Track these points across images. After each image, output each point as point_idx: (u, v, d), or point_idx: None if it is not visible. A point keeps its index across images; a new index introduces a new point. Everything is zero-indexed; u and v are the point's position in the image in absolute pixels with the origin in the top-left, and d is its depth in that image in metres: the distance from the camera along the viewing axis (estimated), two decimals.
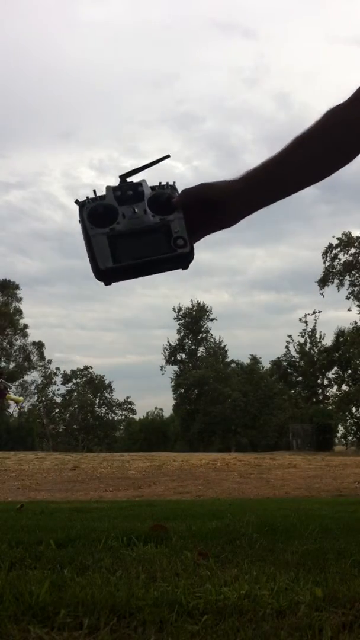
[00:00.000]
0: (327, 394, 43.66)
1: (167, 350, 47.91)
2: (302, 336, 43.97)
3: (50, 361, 52.48)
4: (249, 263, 69.86)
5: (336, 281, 38.10)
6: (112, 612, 1.22)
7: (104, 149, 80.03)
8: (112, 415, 55.87)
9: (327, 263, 38.47)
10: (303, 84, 74.99)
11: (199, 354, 48.76)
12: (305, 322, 43.82)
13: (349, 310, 38.82)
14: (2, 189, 69.22)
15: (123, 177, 1.35)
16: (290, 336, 44.48)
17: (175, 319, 48.05)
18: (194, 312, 48.07)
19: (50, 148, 76.19)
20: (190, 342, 48.56)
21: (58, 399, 54.11)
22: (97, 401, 55.27)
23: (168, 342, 48.05)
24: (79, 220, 1.29)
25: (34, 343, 51.08)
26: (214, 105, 74.23)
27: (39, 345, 51.28)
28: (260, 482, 11.55)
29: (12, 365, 49.11)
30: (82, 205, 1.29)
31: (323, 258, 38.68)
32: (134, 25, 75.70)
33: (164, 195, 1.31)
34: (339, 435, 41.37)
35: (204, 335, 48.73)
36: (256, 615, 1.19)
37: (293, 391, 45.24)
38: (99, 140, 79.53)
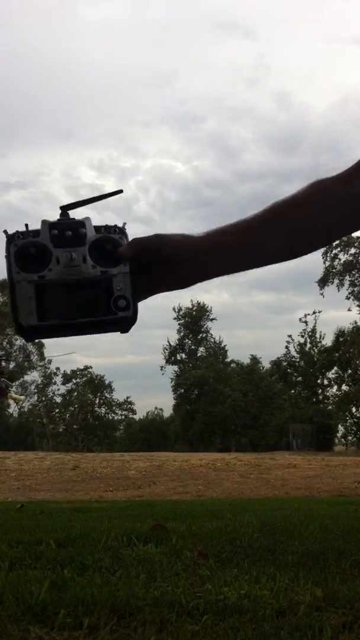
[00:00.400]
0: (327, 394, 43.70)
1: (167, 350, 47.93)
2: (302, 336, 44.02)
3: (50, 361, 52.52)
4: None
5: (336, 281, 38.12)
6: (112, 612, 1.22)
7: (104, 149, 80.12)
8: (112, 415, 55.91)
9: (327, 263, 38.49)
10: (303, 84, 75.05)
11: (199, 354, 48.76)
12: (305, 322, 43.86)
13: (349, 310, 38.86)
14: (2, 189, 69.28)
15: (64, 209, 1.12)
16: (290, 336, 44.54)
17: (175, 319, 48.08)
18: (194, 312, 48.06)
19: (50, 148, 76.24)
20: (190, 342, 48.56)
21: (58, 399, 54.14)
22: (97, 401, 55.28)
23: (168, 342, 48.08)
24: (5, 256, 1.06)
25: (34, 343, 51.08)
26: (214, 105, 74.28)
27: (39, 345, 51.27)
28: (260, 482, 11.55)
29: (12, 365, 49.10)
30: (10, 239, 1.06)
31: (323, 258, 38.69)
32: (134, 24, 75.77)
33: (109, 241, 1.08)
34: (339, 435, 41.41)
35: (204, 335, 48.74)
36: (256, 615, 1.19)
37: (293, 391, 45.25)
38: (99, 140, 79.59)
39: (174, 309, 48.25)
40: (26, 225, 1.08)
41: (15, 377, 45.18)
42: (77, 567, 1.71)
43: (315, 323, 43.62)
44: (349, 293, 38.43)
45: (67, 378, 54.93)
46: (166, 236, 1.10)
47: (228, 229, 1.10)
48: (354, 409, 40.01)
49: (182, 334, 48.23)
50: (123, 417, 55.96)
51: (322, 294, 38.96)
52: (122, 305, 1.06)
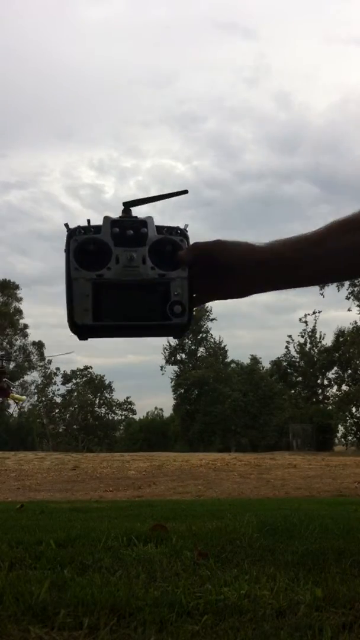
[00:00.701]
0: (327, 394, 43.70)
1: (167, 350, 47.91)
2: (302, 336, 44.01)
3: (50, 361, 52.53)
4: None
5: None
6: (112, 612, 1.22)
7: (104, 149, 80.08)
8: (112, 415, 55.91)
9: None
10: (303, 84, 75.05)
11: (199, 354, 48.76)
12: (305, 322, 43.84)
13: (349, 310, 38.84)
14: (2, 189, 69.28)
15: (127, 205, 1.09)
16: (290, 336, 44.52)
17: None
18: (194, 312, 48.00)
19: (50, 148, 76.20)
20: (190, 342, 48.55)
21: (58, 399, 54.15)
22: (97, 401, 55.28)
23: (168, 342, 47.97)
24: (65, 250, 1.03)
25: (34, 343, 51.11)
26: (214, 105, 74.27)
27: (39, 345, 51.30)
28: (260, 482, 11.55)
29: (12, 365, 49.10)
30: (71, 234, 1.03)
31: None
32: (134, 24, 75.76)
33: (170, 243, 1.05)
34: (339, 435, 41.40)
35: (204, 335, 48.73)
36: (256, 615, 1.19)
37: (293, 391, 45.25)
38: (99, 140, 79.56)
39: None
40: (88, 221, 1.05)
41: (16, 377, 45.17)
42: (77, 567, 1.71)
43: (315, 323, 43.65)
44: (349, 293, 38.43)
45: (67, 378, 54.95)
46: (228, 243, 1.07)
47: (291, 243, 1.05)
48: (354, 409, 40.00)
49: None
50: (123, 417, 55.98)
51: (322, 294, 38.92)
52: (177, 311, 1.04)
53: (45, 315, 69.04)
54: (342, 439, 41.92)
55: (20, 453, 22.11)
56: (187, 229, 1.08)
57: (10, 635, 1.11)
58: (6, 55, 72.27)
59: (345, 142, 67.74)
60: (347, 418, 40.30)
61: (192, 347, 48.79)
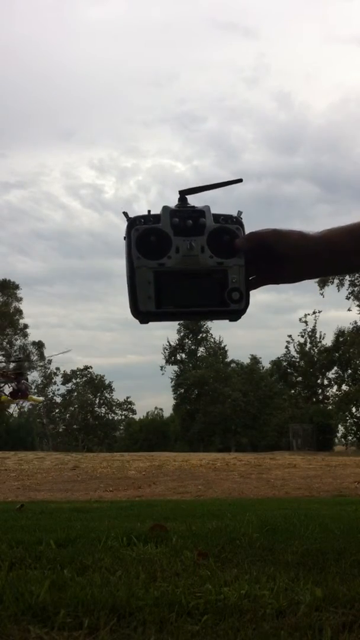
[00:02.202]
0: (327, 394, 43.70)
1: (167, 350, 47.91)
2: (302, 336, 44.02)
3: (50, 361, 52.51)
4: None
5: (336, 281, 38.07)
6: (112, 612, 1.22)
7: (104, 148, 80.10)
8: (112, 415, 55.91)
9: None
10: (303, 84, 75.03)
11: (199, 354, 48.75)
12: (305, 322, 43.84)
13: (349, 310, 38.85)
14: (2, 189, 69.27)
15: (183, 194, 1.12)
16: (290, 336, 44.52)
17: None
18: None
19: (50, 148, 76.26)
20: (190, 342, 48.54)
21: (58, 399, 54.14)
22: (97, 401, 55.28)
23: (168, 342, 48.05)
24: (124, 237, 1.08)
25: (34, 343, 51.09)
26: (214, 105, 74.27)
27: (39, 345, 51.28)
28: (260, 482, 11.54)
29: (12, 365, 49.06)
30: (131, 223, 1.07)
31: None
32: (134, 24, 75.76)
33: (227, 232, 1.09)
34: (339, 435, 41.41)
35: (204, 335, 48.73)
36: (256, 615, 1.19)
37: (293, 391, 45.24)
38: (99, 140, 79.57)
39: None
40: (148, 211, 1.08)
41: (3, 380, 45.15)
42: (77, 567, 1.70)
43: (315, 323, 43.65)
44: (349, 293, 38.43)
45: (67, 378, 54.96)
46: (283, 232, 1.10)
47: (345, 231, 1.08)
48: (354, 409, 40.00)
49: (182, 334, 48.22)
50: (123, 417, 55.98)
51: (322, 294, 38.94)
52: (235, 297, 1.08)
53: (45, 315, 69.10)
54: (342, 439, 41.93)
55: (20, 453, 22.11)
56: (241, 216, 1.12)
57: (10, 635, 1.11)
58: (6, 55, 72.29)
59: (346, 141, 67.74)
60: (347, 418, 40.30)
61: (192, 347, 48.78)
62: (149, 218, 1.08)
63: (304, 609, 1.23)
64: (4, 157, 71.01)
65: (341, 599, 1.30)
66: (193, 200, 1.13)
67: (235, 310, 1.09)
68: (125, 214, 1.08)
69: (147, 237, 1.05)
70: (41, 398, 41.80)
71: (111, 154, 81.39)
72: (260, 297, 70.28)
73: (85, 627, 1.15)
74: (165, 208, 1.08)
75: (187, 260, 1.06)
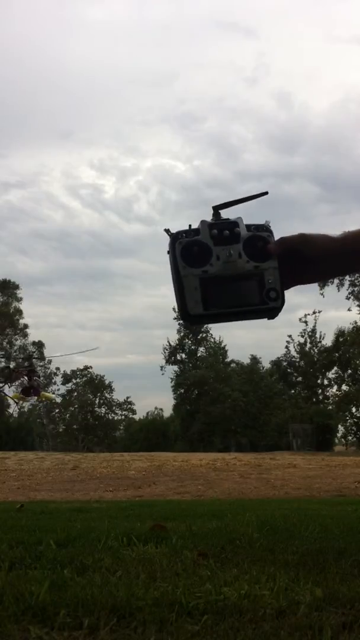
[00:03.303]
0: (327, 394, 43.69)
1: (167, 350, 47.90)
2: (302, 336, 44.00)
3: (50, 361, 52.51)
4: None
5: (336, 281, 38.08)
6: (112, 612, 1.22)
7: (104, 148, 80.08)
8: (112, 415, 55.88)
9: None
10: (304, 84, 75.04)
11: (199, 354, 48.75)
12: (305, 322, 43.81)
13: (349, 310, 38.85)
14: (2, 189, 69.28)
15: (217, 209, 1.26)
16: (290, 336, 44.50)
17: (175, 319, 48.03)
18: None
19: (50, 148, 76.25)
20: (190, 342, 48.53)
21: (58, 399, 54.09)
22: (97, 401, 55.26)
23: (168, 342, 48.04)
24: (168, 252, 1.24)
25: (34, 343, 51.09)
26: (215, 105, 74.26)
27: (39, 345, 51.28)
28: (260, 482, 11.54)
29: (12, 365, 49.07)
30: (175, 237, 1.22)
31: None
32: (134, 24, 75.77)
33: (260, 239, 1.23)
34: (339, 435, 41.41)
35: (204, 335, 48.70)
36: (256, 615, 1.19)
37: (293, 391, 45.24)
38: (99, 140, 79.57)
39: (173, 309, 48.17)
40: (189, 225, 1.23)
41: (14, 377, 45.13)
42: (77, 567, 1.70)
43: (315, 323, 43.63)
44: (349, 293, 38.43)
45: (67, 378, 54.95)
46: (309, 236, 1.22)
47: None
48: (354, 409, 40.01)
49: (182, 334, 48.20)
50: (123, 417, 55.95)
51: (322, 294, 38.94)
52: (273, 296, 1.23)
53: (45, 315, 69.09)
54: (342, 439, 41.94)
55: (21, 453, 22.11)
56: (270, 225, 1.26)
57: (10, 635, 1.11)
58: (6, 55, 72.28)
59: (346, 141, 67.73)
60: (347, 418, 40.32)
61: (192, 347, 48.77)
62: (189, 232, 1.22)
63: (304, 609, 1.23)
64: (4, 157, 71.02)
65: (341, 599, 1.30)
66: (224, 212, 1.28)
67: (273, 307, 1.24)
68: (167, 230, 1.23)
69: (190, 248, 1.20)
70: (54, 395, 41.84)
71: (111, 154, 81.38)
72: None
73: (85, 627, 1.15)
74: (203, 222, 1.22)
75: (227, 266, 1.19)
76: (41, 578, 1.49)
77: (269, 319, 1.27)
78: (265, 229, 1.25)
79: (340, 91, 79.66)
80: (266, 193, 1.30)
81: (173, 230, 1.23)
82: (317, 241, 1.20)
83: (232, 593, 1.34)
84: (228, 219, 1.24)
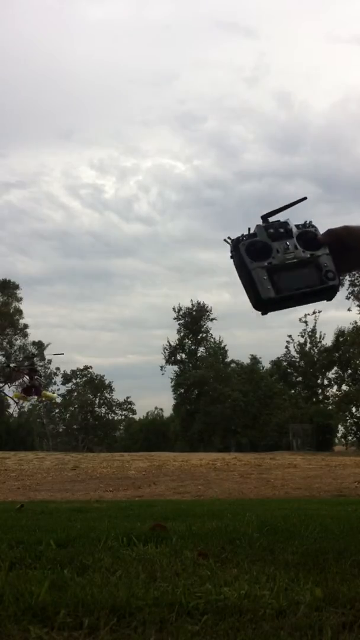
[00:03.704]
0: (327, 394, 43.66)
1: (167, 350, 47.88)
2: (302, 336, 43.94)
3: (50, 361, 52.50)
4: None
5: None
6: (112, 612, 1.22)
7: (104, 148, 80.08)
8: (112, 415, 55.87)
9: None
10: (304, 83, 75.01)
11: (199, 354, 48.73)
12: (305, 322, 43.74)
13: (349, 310, 38.83)
14: (2, 189, 69.23)
15: (265, 217, 1.47)
16: (290, 336, 44.45)
17: (175, 319, 48.06)
18: (194, 312, 48.03)
19: (50, 148, 76.23)
20: (190, 342, 48.52)
21: (58, 399, 54.08)
22: (97, 401, 55.25)
23: (168, 342, 48.02)
24: (231, 257, 1.45)
25: (34, 343, 51.09)
26: (215, 105, 74.21)
27: (39, 345, 51.28)
28: (261, 482, 11.54)
29: (12, 365, 49.03)
30: (237, 241, 1.43)
31: None
32: (134, 24, 75.74)
33: (309, 233, 1.44)
34: (339, 435, 41.39)
35: (204, 335, 48.70)
36: (256, 615, 1.19)
37: (293, 391, 45.21)
38: (99, 140, 79.55)
39: (174, 309, 48.27)
40: (248, 230, 1.45)
41: (16, 377, 45.15)
42: (77, 567, 1.70)
43: (315, 323, 43.59)
44: (349, 293, 38.40)
45: (67, 378, 54.94)
46: (351, 228, 1.40)
47: None
48: (354, 409, 39.99)
49: (182, 334, 48.20)
50: (123, 417, 55.94)
51: None
52: (330, 276, 1.41)
53: (45, 315, 69.05)
54: (342, 439, 41.92)
55: (21, 453, 22.10)
56: (312, 222, 1.46)
57: (10, 635, 1.11)
58: (6, 55, 72.28)
59: (346, 141, 67.71)
60: (347, 418, 40.29)
61: (192, 347, 48.77)
62: (247, 235, 1.43)
63: (304, 609, 1.23)
64: (4, 157, 70.96)
65: (341, 599, 1.30)
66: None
67: (333, 285, 1.41)
68: (227, 239, 1.45)
69: (252, 246, 1.41)
70: (55, 395, 41.78)
71: (111, 154, 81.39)
72: None
73: (85, 627, 1.15)
74: (258, 226, 1.45)
75: (287, 256, 1.39)
76: (41, 578, 1.49)
77: (327, 299, 1.45)
78: (309, 225, 1.44)
79: (340, 91, 79.63)
80: (305, 198, 1.51)
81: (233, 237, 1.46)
82: (358, 232, 1.37)
83: (232, 593, 1.34)
84: (279, 220, 1.46)
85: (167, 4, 78.56)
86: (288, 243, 1.41)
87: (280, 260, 1.39)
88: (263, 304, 1.39)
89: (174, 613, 1.20)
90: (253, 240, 1.42)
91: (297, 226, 1.45)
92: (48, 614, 1.21)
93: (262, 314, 1.43)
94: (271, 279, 1.38)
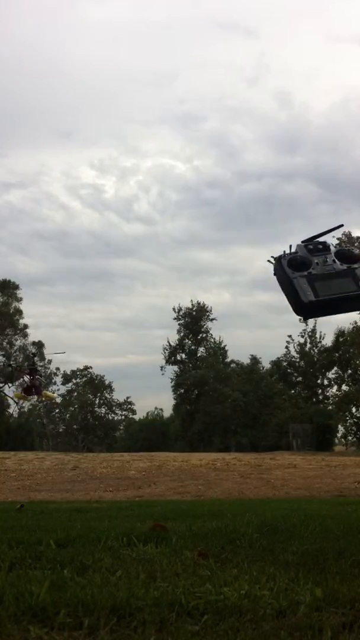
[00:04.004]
0: (327, 394, 43.64)
1: (167, 350, 47.85)
2: (302, 336, 43.93)
3: (50, 361, 52.47)
4: (250, 263, 69.84)
5: None
6: (112, 612, 1.22)
7: (104, 148, 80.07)
8: (112, 415, 55.85)
9: None
10: (304, 83, 74.96)
11: (199, 354, 48.70)
12: (305, 322, 43.81)
13: None
14: (2, 189, 69.24)
15: (305, 242, 1.65)
16: (290, 336, 44.43)
17: (175, 319, 48.03)
18: (194, 312, 48.02)
19: (50, 148, 76.19)
20: (190, 342, 48.50)
21: (58, 399, 54.04)
22: (97, 401, 55.23)
23: (168, 342, 47.99)
24: (274, 273, 1.64)
25: (34, 343, 51.06)
26: (215, 105, 74.19)
27: (39, 345, 51.23)
28: (260, 482, 11.54)
29: (12, 364, 48.99)
30: (280, 257, 1.63)
31: None
32: (135, 24, 75.71)
33: (345, 250, 1.64)
34: (339, 435, 41.38)
35: (204, 335, 48.66)
36: (256, 615, 1.19)
37: (293, 391, 45.19)
38: (99, 140, 79.54)
39: (174, 309, 48.25)
40: (290, 247, 1.65)
41: (16, 377, 45.17)
42: (77, 567, 1.70)
43: (315, 323, 43.50)
44: None
45: (67, 378, 54.91)
46: None
47: None
48: (354, 409, 39.98)
49: (182, 334, 48.17)
50: (123, 417, 55.92)
51: None
52: None
53: (45, 315, 69.04)
54: (342, 439, 41.91)
55: (21, 453, 22.10)
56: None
57: (10, 635, 1.11)
58: (6, 55, 72.28)
59: (346, 141, 67.69)
60: (347, 418, 40.27)
61: (192, 347, 48.76)
62: (289, 253, 1.62)
63: (304, 609, 1.23)
64: (4, 157, 70.94)
65: (341, 599, 1.30)
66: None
67: None
68: (271, 258, 1.64)
69: (294, 260, 1.60)
70: (55, 394, 41.72)
71: (111, 154, 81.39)
72: (261, 297, 70.25)
73: (85, 627, 1.15)
74: (299, 245, 1.64)
75: (326, 267, 1.58)
76: (41, 578, 1.49)
77: None
78: (346, 245, 1.71)
79: (340, 91, 79.58)
80: (342, 225, 1.71)
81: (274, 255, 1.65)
82: None
83: (232, 593, 1.34)
84: (318, 240, 1.67)
85: (167, 4, 78.55)
86: (326, 257, 1.60)
87: (320, 271, 1.58)
88: (304, 309, 1.57)
89: (174, 613, 1.20)
90: (294, 255, 1.61)
91: (334, 245, 1.64)
92: (48, 614, 1.21)
93: (304, 319, 1.62)
94: (311, 286, 1.55)
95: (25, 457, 18.66)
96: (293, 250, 1.66)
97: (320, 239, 1.66)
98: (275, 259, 1.63)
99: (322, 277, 1.57)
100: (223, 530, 2.56)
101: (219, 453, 25.42)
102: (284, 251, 1.63)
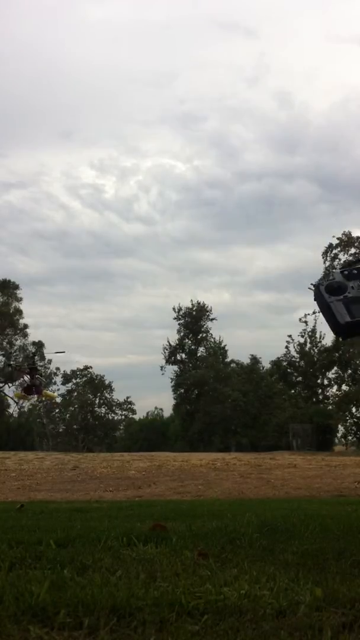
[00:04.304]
0: (327, 394, 43.65)
1: (167, 350, 47.85)
2: (302, 336, 43.93)
3: (50, 361, 52.47)
4: (250, 263, 69.84)
5: None
6: (112, 612, 1.22)
7: (104, 148, 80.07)
8: (112, 415, 55.86)
9: (327, 263, 38.45)
10: (304, 83, 74.95)
11: (199, 354, 48.71)
12: (305, 322, 43.71)
13: None
14: (2, 189, 69.23)
15: (343, 267, 1.79)
16: (290, 336, 44.43)
17: (175, 319, 48.03)
18: (194, 312, 48.03)
19: (50, 148, 76.15)
20: (190, 342, 48.50)
21: (58, 399, 54.04)
22: (97, 401, 55.24)
23: (168, 342, 47.99)
24: (315, 299, 1.79)
25: (34, 343, 51.07)
26: (215, 105, 74.16)
27: (39, 345, 51.23)
28: (260, 482, 11.54)
29: (13, 364, 48.99)
30: (318, 284, 1.76)
31: (323, 258, 38.69)
32: (134, 24, 75.69)
33: None
34: (339, 435, 41.39)
35: (204, 335, 48.67)
36: (256, 615, 1.19)
37: (293, 391, 45.19)
38: (99, 140, 79.54)
39: (174, 309, 48.26)
40: (329, 272, 1.76)
41: (16, 376, 45.17)
42: (77, 567, 1.71)
43: (315, 323, 43.53)
44: None
45: (67, 378, 54.92)
46: None
47: None
48: (354, 409, 39.98)
49: (182, 334, 48.18)
50: (123, 417, 55.93)
51: None
52: None
53: (45, 315, 69.02)
54: (342, 439, 41.91)
55: (21, 453, 22.11)
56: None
57: (10, 635, 1.11)
58: (6, 54, 72.25)
59: (346, 141, 67.68)
60: (347, 418, 40.28)
61: (192, 347, 48.77)
62: (327, 278, 1.74)
63: (304, 609, 1.23)
64: (4, 157, 70.91)
65: (341, 599, 1.30)
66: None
67: None
68: (312, 284, 1.80)
69: (331, 285, 1.72)
70: (56, 394, 41.73)
71: (111, 154, 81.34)
72: (261, 297, 70.26)
73: (85, 627, 1.15)
74: (335, 272, 1.77)
75: None
76: (41, 578, 1.49)
77: None
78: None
79: (340, 91, 79.55)
80: None
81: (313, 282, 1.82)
82: None
83: (232, 593, 1.34)
84: (354, 267, 1.78)
85: (167, 4, 78.52)
86: None
87: (355, 294, 1.68)
88: (341, 329, 1.68)
89: (174, 613, 1.20)
90: (331, 282, 1.73)
91: None
92: (48, 614, 1.21)
93: (342, 339, 1.80)
94: (347, 308, 1.66)
95: (25, 457, 18.67)
96: (330, 277, 1.78)
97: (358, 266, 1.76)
98: (314, 285, 1.77)
99: (357, 300, 1.68)
100: (223, 530, 2.56)
101: (219, 453, 25.42)
102: (322, 279, 1.78)
